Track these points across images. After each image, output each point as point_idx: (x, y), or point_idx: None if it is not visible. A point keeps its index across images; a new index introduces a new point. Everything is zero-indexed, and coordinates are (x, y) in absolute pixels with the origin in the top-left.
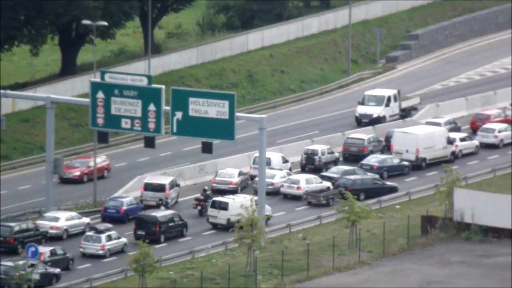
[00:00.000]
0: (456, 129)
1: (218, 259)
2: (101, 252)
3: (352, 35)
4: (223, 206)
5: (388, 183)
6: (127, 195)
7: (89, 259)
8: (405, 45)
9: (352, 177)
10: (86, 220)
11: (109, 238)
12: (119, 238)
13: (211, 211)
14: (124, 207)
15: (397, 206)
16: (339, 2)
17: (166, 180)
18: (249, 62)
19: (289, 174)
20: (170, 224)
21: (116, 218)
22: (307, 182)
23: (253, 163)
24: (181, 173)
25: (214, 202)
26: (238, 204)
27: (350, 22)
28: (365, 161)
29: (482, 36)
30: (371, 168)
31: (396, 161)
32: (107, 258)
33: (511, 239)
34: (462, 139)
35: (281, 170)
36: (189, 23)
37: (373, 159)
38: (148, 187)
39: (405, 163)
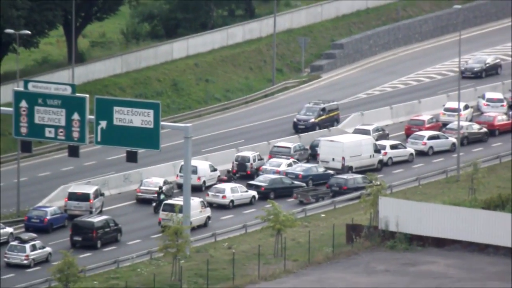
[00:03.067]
0: (384, 136)
1: (143, 269)
2: (25, 262)
3: (277, 44)
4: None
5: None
6: (51, 204)
7: (14, 268)
8: (329, 54)
9: (345, 176)
10: (9, 230)
11: (34, 247)
12: (43, 247)
13: (163, 214)
14: (48, 217)
15: (322, 215)
16: (263, 11)
17: (90, 190)
18: (174, 71)
19: (295, 162)
20: (106, 229)
21: (40, 227)
22: (232, 191)
23: (180, 172)
24: (106, 182)
25: (166, 205)
26: (192, 207)
27: (275, 31)
28: (290, 170)
29: (407, 45)
30: (296, 177)
31: (321, 169)
32: (31, 268)
33: (436, 248)
34: (394, 147)
35: (288, 159)
36: (113, 32)
37: (298, 168)
38: (72, 196)
39: (330, 171)
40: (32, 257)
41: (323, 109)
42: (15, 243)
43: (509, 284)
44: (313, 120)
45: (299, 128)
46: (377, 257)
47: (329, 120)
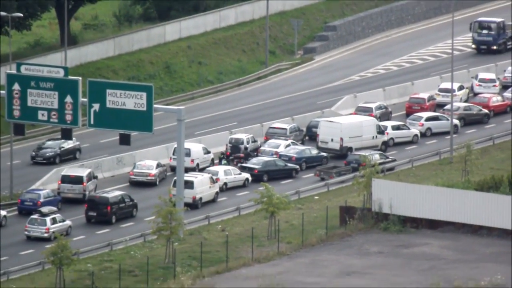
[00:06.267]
0: (387, 114)
1: (137, 251)
2: (46, 235)
3: (270, 26)
4: (188, 185)
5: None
6: (44, 187)
7: (34, 242)
8: (322, 36)
9: (363, 152)
10: (2, 212)
11: (54, 221)
12: (64, 221)
13: (173, 190)
14: (41, 200)
15: (316, 197)
16: None
17: (83, 172)
18: (166, 54)
19: (293, 143)
20: (121, 205)
21: (33, 210)
22: (225, 174)
23: (173, 154)
24: (99, 165)
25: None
26: (202, 182)
27: (268, 13)
28: (283, 152)
29: (399, 27)
30: (289, 159)
31: (314, 152)
32: (52, 241)
33: (429, 229)
34: (396, 128)
35: (286, 140)
36: (105, 15)
37: (291, 150)
38: (66, 179)
39: (324, 154)
40: (52, 230)
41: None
42: (35, 216)
43: (502, 265)
44: None
45: None
46: (370, 239)
47: None
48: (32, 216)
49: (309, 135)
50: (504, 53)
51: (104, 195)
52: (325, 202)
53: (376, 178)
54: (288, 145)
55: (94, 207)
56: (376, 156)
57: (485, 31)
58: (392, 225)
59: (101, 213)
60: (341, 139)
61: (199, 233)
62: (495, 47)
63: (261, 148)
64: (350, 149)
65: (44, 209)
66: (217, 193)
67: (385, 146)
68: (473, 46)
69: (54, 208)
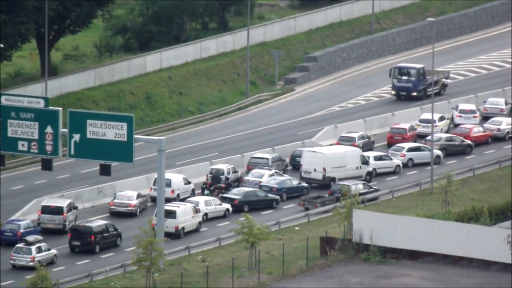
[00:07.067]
0: (370, 143)
1: (117, 282)
2: (31, 263)
3: (251, 57)
4: (171, 214)
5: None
6: (24, 218)
7: (19, 271)
8: (303, 67)
9: (346, 182)
10: None
11: (40, 249)
12: (49, 249)
13: (155, 220)
14: (21, 230)
15: (296, 228)
16: (237, 24)
17: (63, 203)
18: (147, 84)
19: (277, 174)
20: (105, 234)
21: (13, 241)
22: (206, 204)
23: (153, 185)
24: (79, 196)
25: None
26: (185, 212)
27: (248, 44)
28: (264, 183)
29: (380, 58)
30: (270, 190)
31: (295, 182)
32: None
33: (410, 260)
34: (378, 158)
35: (270, 169)
36: (86, 45)
37: (272, 181)
38: (46, 210)
39: (304, 184)
40: (38, 259)
41: None
42: (20, 245)
43: None
44: None
45: None
46: (351, 270)
47: None
48: (18, 245)
49: (293, 165)
50: (424, 100)
51: (88, 224)
52: (306, 233)
53: (357, 208)
54: (272, 175)
55: (77, 237)
56: (359, 186)
57: (405, 77)
58: (373, 256)
59: (85, 243)
60: (324, 169)
61: (179, 264)
62: (415, 94)
63: (245, 178)
64: (333, 179)
65: (30, 238)
66: (200, 222)
67: (370, 176)
68: (393, 92)
69: (40, 237)
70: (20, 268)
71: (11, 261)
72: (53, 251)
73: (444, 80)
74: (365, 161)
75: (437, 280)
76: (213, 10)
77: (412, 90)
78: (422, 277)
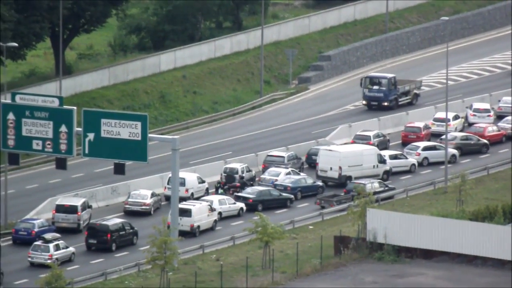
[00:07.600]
0: (385, 142)
1: (131, 281)
2: (49, 261)
3: (265, 56)
4: (187, 213)
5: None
6: (39, 217)
7: (37, 268)
8: (317, 66)
9: (363, 181)
10: None
11: (57, 247)
12: (67, 247)
13: (169, 219)
14: (36, 229)
15: (310, 227)
16: (251, 23)
17: (78, 202)
18: (161, 83)
19: (294, 172)
20: (121, 232)
21: (28, 240)
22: (220, 203)
23: (168, 184)
24: (93, 195)
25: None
26: (200, 210)
27: (263, 43)
28: (279, 182)
29: (394, 57)
30: (285, 189)
31: (310, 181)
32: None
33: (424, 259)
34: (394, 157)
35: (286, 168)
36: (100, 44)
37: (286, 180)
38: (60, 209)
39: (319, 183)
40: (55, 256)
41: None
42: (38, 243)
43: None
44: None
45: None
46: (365, 269)
47: None
48: (35, 243)
49: (309, 163)
50: (396, 110)
51: (104, 222)
52: (320, 232)
53: (371, 207)
54: (288, 173)
55: (94, 235)
56: (375, 185)
57: (376, 87)
58: (387, 255)
59: (101, 241)
60: (340, 167)
61: (193, 263)
62: (386, 103)
63: (261, 176)
64: (349, 178)
65: (47, 236)
66: (215, 221)
67: (387, 175)
68: (364, 102)
69: (58, 235)
70: (38, 265)
71: (29, 259)
72: (71, 249)
73: (416, 90)
74: (382, 160)
75: (451, 279)
76: (227, 9)
77: (383, 100)
78: (436, 276)
